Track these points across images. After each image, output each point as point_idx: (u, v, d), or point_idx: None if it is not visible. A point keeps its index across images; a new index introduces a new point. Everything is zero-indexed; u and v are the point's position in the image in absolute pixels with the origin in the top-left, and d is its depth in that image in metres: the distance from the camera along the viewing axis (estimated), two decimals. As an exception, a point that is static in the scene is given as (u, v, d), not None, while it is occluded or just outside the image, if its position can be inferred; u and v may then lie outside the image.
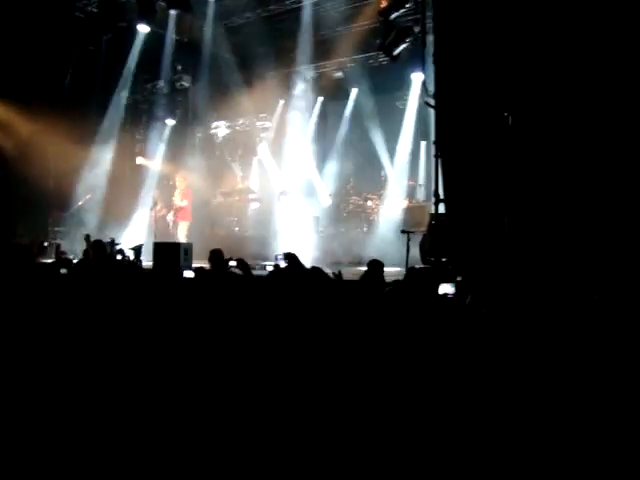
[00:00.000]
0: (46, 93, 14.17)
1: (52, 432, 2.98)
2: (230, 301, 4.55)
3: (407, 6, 11.36)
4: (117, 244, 8.89)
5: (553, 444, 2.65)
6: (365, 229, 13.90)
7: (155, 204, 13.64)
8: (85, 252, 8.56)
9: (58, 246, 9.65)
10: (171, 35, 15.53)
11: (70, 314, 4.17)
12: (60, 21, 14.28)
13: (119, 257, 8.48)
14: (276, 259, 8.34)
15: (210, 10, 14.82)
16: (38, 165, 14.33)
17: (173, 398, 3.23)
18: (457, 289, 4.53)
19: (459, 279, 4.95)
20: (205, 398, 3.19)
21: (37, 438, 2.92)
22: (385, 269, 7.01)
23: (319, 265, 7.59)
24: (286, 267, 6.40)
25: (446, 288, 4.59)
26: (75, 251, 11.91)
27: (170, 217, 13.41)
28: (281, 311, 3.96)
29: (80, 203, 15.19)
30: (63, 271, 5.37)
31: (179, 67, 16.07)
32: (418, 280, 5.37)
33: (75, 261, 8.16)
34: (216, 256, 8.26)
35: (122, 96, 17.07)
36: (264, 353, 3.48)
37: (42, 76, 14.03)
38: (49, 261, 9.33)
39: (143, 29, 14.54)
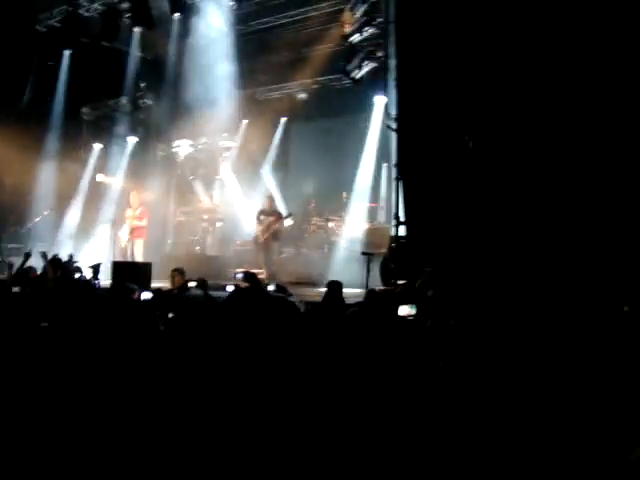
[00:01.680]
0: (4, 106, 13.92)
1: None
2: (190, 323, 4.49)
3: (370, 31, 11.50)
4: (75, 261, 8.71)
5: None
6: (326, 250, 13.89)
7: (114, 222, 13.44)
8: (43, 269, 8.34)
9: (11, 264, 9.40)
10: (135, 52, 15.45)
11: (23, 333, 4.06)
12: (21, 34, 14.08)
13: (77, 275, 8.28)
14: (234, 278, 8.25)
15: (174, 28, 14.78)
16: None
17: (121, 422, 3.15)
18: (418, 311, 4.55)
19: (429, 293, 4.95)
20: (157, 425, 3.12)
21: None
22: (346, 290, 7.02)
23: (280, 285, 7.60)
24: (246, 287, 6.36)
25: (406, 310, 4.59)
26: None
27: (124, 234, 13.18)
28: (242, 333, 3.91)
29: (37, 219, 14.88)
30: (16, 289, 5.21)
31: (142, 84, 15.96)
32: (378, 302, 5.38)
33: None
34: (176, 276, 8.18)
35: (84, 111, 16.90)
36: (226, 375, 3.43)
37: (1, 88, 13.79)
38: (2, 278, 9.07)
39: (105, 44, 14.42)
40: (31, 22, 14.57)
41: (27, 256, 8.42)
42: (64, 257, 9.59)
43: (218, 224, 15.83)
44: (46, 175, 15.82)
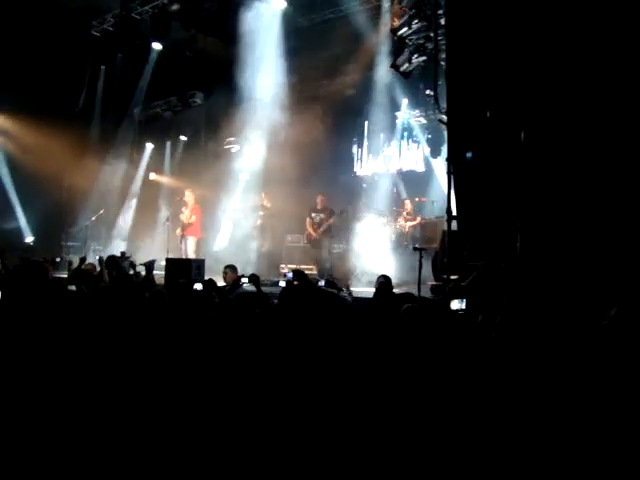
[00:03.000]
0: (61, 109, 14.39)
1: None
2: (241, 319, 4.53)
3: (419, 24, 11.39)
4: (128, 257, 8.88)
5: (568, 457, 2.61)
6: (377, 245, 13.85)
7: (167, 219, 13.69)
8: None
9: (70, 262, 9.68)
10: (185, 52, 15.69)
11: (82, 330, 4.17)
12: (76, 39, 14.50)
13: (131, 272, 8.45)
14: (284, 276, 8.38)
15: (224, 26, 14.91)
16: (52, 181, 14.52)
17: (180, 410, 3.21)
18: (468, 305, 4.49)
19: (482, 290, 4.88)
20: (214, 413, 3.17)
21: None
22: (397, 287, 7.02)
23: (331, 281, 7.63)
24: (296, 285, 6.40)
25: (457, 304, 4.55)
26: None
27: (179, 232, 13.42)
28: (293, 329, 3.93)
29: (93, 218, 15.28)
30: (72, 288, 5.35)
31: (193, 84, 16.19)
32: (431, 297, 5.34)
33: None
34: (228, 272, 8.29)
35: (135, 112, 17.28)
36: (276, 370, 3.45)
37: (58, 93, 14.25)
38: (63, 276, 9.35)
39: (157, 46, 14.69)
40: (86, 27, 14.99)
41: (82, 260, 8.66)
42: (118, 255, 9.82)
43: (269, 221, 15.94)
44: (101, 175, 16.22)
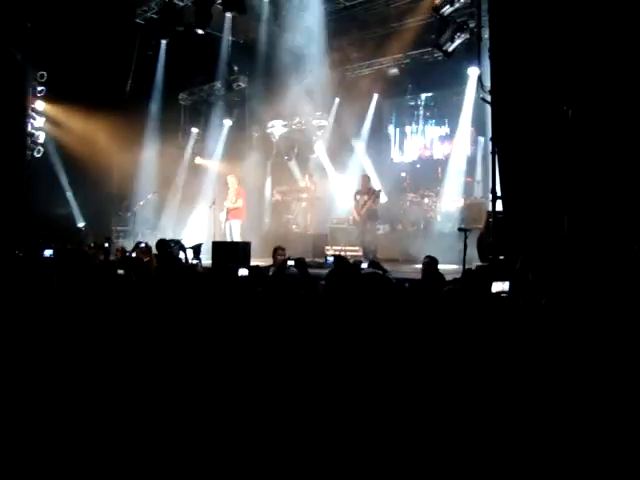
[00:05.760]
0: (109, 97, 14.66)
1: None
2: (284, 300, 4.61)
3: (461, 1, 11.20)
4: (178, 240, 9.04)
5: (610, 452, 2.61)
6: (422, 226, 13.81)
7: (213, 203, 13.87)
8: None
9: (123, 247, 9.96)
10: (227, 37, 15.79)
11: (132, 315, 4.31)
12: (122, 27, 14.74)
13: (181, 255, 8.62)
14: (326, 261, 8.47)
15: (265, 11, 14.97)
16: (102, 167, 14.86)
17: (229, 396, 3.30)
18: (511, 288, 4.46)
19: (530, 277, 4.80)
20: (259, 397, 3.25)
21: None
22: (442, 267, 6.99)
23: (375, 262, 7.66)
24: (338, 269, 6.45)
25: (499, 286, 4.51)
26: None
27: (223, 216, 13.60)
28: (338, 310, 3.99)
29: (141, 203, 15.59)
30: (120, 272, 5.49)
31: (235, 68, 16.29)
32: (474, 280, 5.32)
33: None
34: (278, 253, 8.42)
35: (180, 98, 17.50)
36: (324, 350, 3.51)
37: (106, 80, 14.53)
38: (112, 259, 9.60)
39: (200, 32, 14.81)
40: (130, 15, 15.22)
41: (137, 245, 8.89)
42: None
43: (314, 203, 16.02)
44: (148, 160, 16.51)
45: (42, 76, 14.70)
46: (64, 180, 15.21)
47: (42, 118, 14.89)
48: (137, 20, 15.51)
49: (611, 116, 7.00)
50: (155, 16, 15.14)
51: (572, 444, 2.66)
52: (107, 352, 3.77)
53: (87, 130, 14.75)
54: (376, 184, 13.09)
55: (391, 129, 17.16)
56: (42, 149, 14.77)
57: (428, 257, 6.98)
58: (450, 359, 3.19)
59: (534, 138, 7.68)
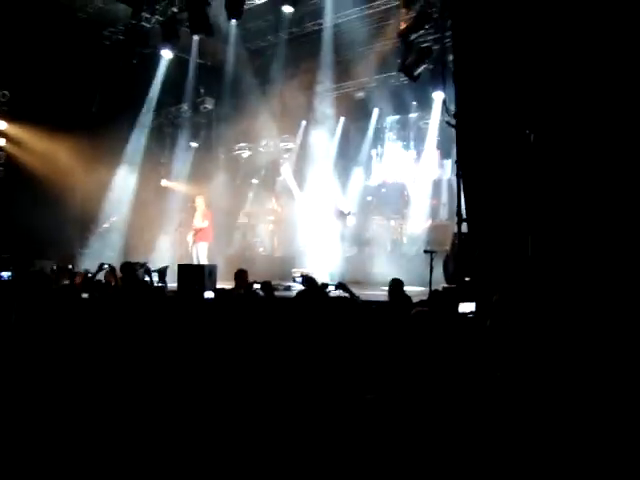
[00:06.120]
0: (75, 117, 14.52)
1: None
2: (252, 323, 4.57)
3: (426, 27, 11.39)
4: (144, 263, 8.92)
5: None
6: (388, 249, 13.87)
7: (179, 225, 13.76)
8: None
9: (87, 272, 9.79)
10: (194, 59, 15.80)
11: (91, 337, 4.22)
12: (89, 49, 14.65)
13: (147, 278, 8.52)
14: (294, 281, 8.42)
15: (232, 34, 15.03)
16: (66, 187, 14.66)
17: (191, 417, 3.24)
18: (477, 308, 4.49)
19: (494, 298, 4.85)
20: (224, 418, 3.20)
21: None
22: (409, 289, 7.00)
23: (342, 284, 7.65)
24: (305, 290, 6.43)
25: (466, 307, 4.55)
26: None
27: (189, 238, 13.49)
28: (306, 332, 3.97)
29: (106, 225, 15.39)
30: (84, 295, 5.41)
31: (202, 90, 16.29)
32: (441, 301, 5.35)
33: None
34: (241, 276, 8.33)
35: (147, 119, 17.40)
36: (289, 373, 3.48)
37: (71, 101, 14.42)
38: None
39: (167, 54, 14.79)
40: (98, 37, 15.14)
41: (100, 266, 8.73)
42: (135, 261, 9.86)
43: (281, 225, 15.99)
44: (114, 183, 16.33)
45: (4, 95, 14.53)
46: (26, 201, 14.93)
47: (2, 138, 14.69)
48: (104, 42, 15.42)
49: (572, 139, 7.15)
50: (122, 37, 15.06)
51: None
52: (65, 375, 3.68)
53: (51, 151, 14.56)
54: (345, 206, 13.14)
55: (358, 152, 17.25)
56: (2, 169, 14.55)
57: (394, 279, 7.00)
58: (421, 378, 3.18)
59: (498, 161, 7.79)
